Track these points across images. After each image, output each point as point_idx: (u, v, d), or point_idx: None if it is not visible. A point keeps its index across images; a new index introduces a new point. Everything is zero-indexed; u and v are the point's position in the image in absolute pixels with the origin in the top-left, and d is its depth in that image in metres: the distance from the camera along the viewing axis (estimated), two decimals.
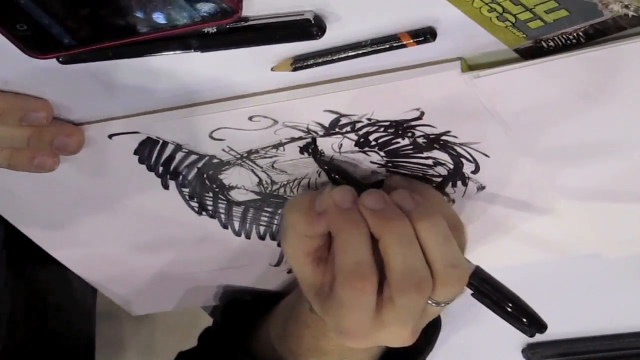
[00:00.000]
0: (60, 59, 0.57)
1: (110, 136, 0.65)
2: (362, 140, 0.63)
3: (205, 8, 0.52)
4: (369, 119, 0.61)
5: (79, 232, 0.75)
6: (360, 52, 0.55)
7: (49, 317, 0.87)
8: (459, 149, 0.63)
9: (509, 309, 0.63)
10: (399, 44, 0.54)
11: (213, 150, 0.65)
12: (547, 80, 0.55)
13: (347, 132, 0.62)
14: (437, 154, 0.64)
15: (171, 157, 0.67)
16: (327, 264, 0.63)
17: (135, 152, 0.66)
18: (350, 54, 0.56)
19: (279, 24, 0.54)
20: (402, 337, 0.63)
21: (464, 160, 0.64)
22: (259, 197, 0.70)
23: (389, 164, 0.65)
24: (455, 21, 0.53)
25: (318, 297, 0.63)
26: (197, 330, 0.81)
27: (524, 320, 0.63)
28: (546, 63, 0.54)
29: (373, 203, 0.61)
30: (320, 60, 0.56)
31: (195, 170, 0.68)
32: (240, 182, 0.69)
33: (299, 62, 0.56)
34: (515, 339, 0.82)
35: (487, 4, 0.51)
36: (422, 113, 0.60)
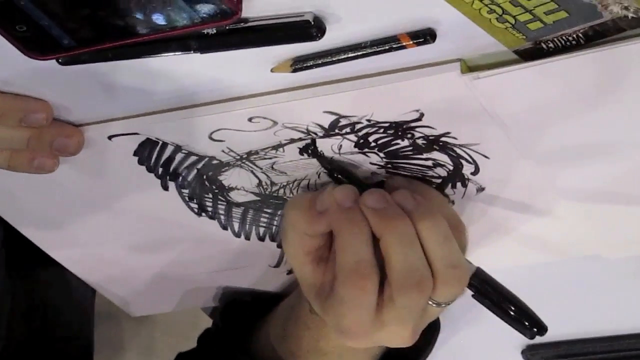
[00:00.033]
0: (60, 60, 0.57)
1: (110, 137, 0.65)
2: (361, 141, 0.63)
3: (205, 9, 0.52)
4: (368, 120, 0.61)
5: (78, 233, 0.75)
6: (360, 53, 0.55)
7: (47, 318, 0.87)
8: (458, 150, 0.63)
9: (509, 311, 0.63)
10: (399, 45, 0.54)
11: (213, 151, 0.65)
12: (547, 82, 0.55)
13: (346, 133, 0.62)
14: (437, 155, 0.64)
15: (171, 158, 0.67)
16: (327, 264, 0.63)
17: (135, 153, 0.66)
18: (349, 55, 0.56)
19: (279, 25, 0.54)
20: (402, 337, 0.63)
21: (463, 162, 0.64)
22: (258, 199, 0.70)
23: (389, 165, 0.65)
24: (454, 22, 0.53)
25: (318, 297, 0.63)
26: (196, 331, 0.81)
27: (525, 322, 0.63)
28: (546, 64, 0.54)
29: (374, 202, 0.61)
30: (319, 62, 0.56)
31: (195, 171, 0.68)
32: (240, 183, 0.69)
33: (299, 64, 0.56)
34: (514, 340, 0.82)
35: (486, 5, 0.51)
36: (422, 114, 0.60)
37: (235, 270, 0.78)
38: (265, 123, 0.62)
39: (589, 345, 0.81)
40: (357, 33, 0.55)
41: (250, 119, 0.62)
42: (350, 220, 0.61)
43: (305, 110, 0.61)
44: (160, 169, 0.68)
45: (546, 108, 0.58)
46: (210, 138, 0.64)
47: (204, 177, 0.68)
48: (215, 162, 0.67)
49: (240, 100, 0.61)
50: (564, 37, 0.53)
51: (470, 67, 0.56)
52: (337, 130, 0.62)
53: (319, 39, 0.54)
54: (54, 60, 0.57)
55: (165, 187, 0.70)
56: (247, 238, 0.74)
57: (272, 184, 0.68)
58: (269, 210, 0.71)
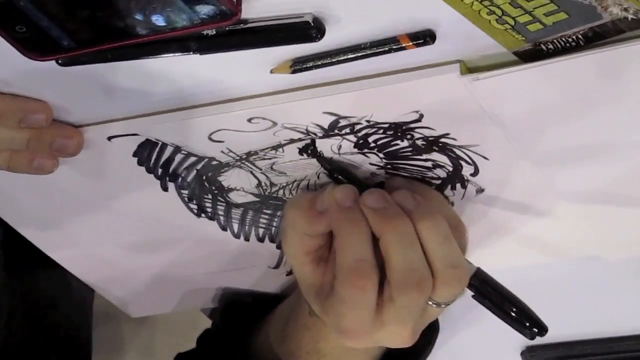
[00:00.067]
0: (60, 61, 0.57)
1: (109, 138, 0.65)
2: (361, 141, 0.63)
3: (204, 10, 0.52)
4: (368, 121, 0.61)
5: (77, 233, 0.75)
6: (360, 54, 0.55)
7: (46, 318, 0.87)
8: (458, 152, 0.63)
9: (509, 311, 0.63)
10: (399, 46, 0.54)
11: (212, 152, 0.65)
12: (547, 83, 0.55)
13: (346, 133, 0.62)
14: (436, 156, 0.64)
15: (170, 159, 0.67)
16: (327, 264, 0.63)
17: (135, 154, 0.66)
18: (349, 56, 0.56)
19: (278, 26, 0.54)
20: (401, 337, 0.63)
21: (463, 163, 0.64)
22: (258, 199, 0.70)
23: (388, 166, 0.65)
24: (454, 24, 0.53)
25: (318, 297, 0.63)
26: (196, 332, 0.81)
27: (525, 322, 0.63)
28: (545, 66, 0.54)
29: (374, 202, 0.61)
30: (319, 63, 0.56)
31: (195, 172, 0.68)
32: (240, 184, 0.69)
33: (298, 65, 0.56)
34: (514, 341, 0.82)
35: (486, 6, 0.51)
36: (422, 115, 0.60)
37: (234, 271, 0.78)
38: (265, 124, 0.62)
39: (589, 347, 0.81)
40: (356, 34, 0.55)
41: (249, 120, 0.62)
42: (350, 219, 0.61)
43: (304, 111, 0.61)
44: (160, 170, 0.68)
45: (546, 109, 0.58)
46: (210, 139, 0.64)
47: (204, 177, 0.68)
48: (214, 162, 0.67)
49: (239, 101, 0.61)
50: (563, 39, 0.53)
51: (469, 69, 0.56)
52: (336, 131, 0.62)
53: (319, 40, 0.54)
54: (53, 61, 0.57)
55: (165, 188, 0.70)
56: (247, 239, 0.74)
57: (272, 184, 0.68)
58: (268, 211, 0.71)
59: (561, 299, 0.76)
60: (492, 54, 0.55)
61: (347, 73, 0.58)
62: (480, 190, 0.66)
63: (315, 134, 0.63)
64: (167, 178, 0.69)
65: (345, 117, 0.61)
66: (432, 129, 0.61)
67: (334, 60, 0.56)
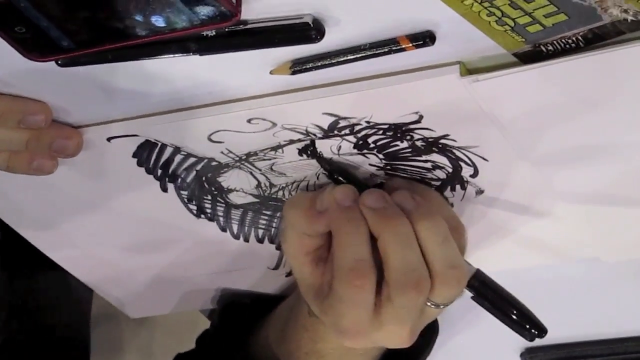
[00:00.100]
0: (59, 62, 0.57)
1: (109, 139, 0.65)
2: (360, 142, 0.63)
3: (204, 11, 0.52)
4: (367, 122, 0.61)
5: (76, 234, 0.75)
6: (359, 55, 0.55)
7: (45, 319, 0.87)
8: (457, 153, 0.63)
9: (509, 313, 0.63)
10: (398, 47, 0.54)
11: (212, 152, 0.65)
12: (546, 85, 0.55)
13: (345, 134, 0.62)
14: (436, 157, 0.64)
15: (170, 160, 0.67)
16: (326, 264, 0.63)
17: (134, 155, 0.66)
18: (349, 57, 0.56)
19: (278, 27, 0.54)
20: (400, 337, 0.63)
21: (462, 164, 0.64)
22: (257, 200, 0.70)
23: (388, 167, 0.65)
24: (454, 25, 0.53)
25: (317, 297, 0.63)
26: (196, 332, 0.81)
27: (525, 324, 0.63)
28: (545, 67, 0.54)
29: (373, 202, 0.61)
30: (319, 64, 0.56)
31: (194, 172, 0.68)
32: (239, 184, 0.69)
33: (298, 66, 0.56)
34: (513, 342, 0.82)
35: (486, 8, 0.51)
36: (421, 116, 0.60)
37: (233, 272, 0.78)
38: (265, 124, 0.62)
39: (588, 348, 0.81)
40: (356, 35, 0.55)
41: (249, 120, 0.62)
42: (349, 219, 0.61)
43: (304, 112, 0.61)
44: (159, 171, 0.68)
45: (545, 111, 0.58)
46: (210, 139, 0.64)
47: (203, 178, 0.68)
48: (214, 163, 0.67)
49: (239, 102, 0.61)
50: (563, 40, 0.53)
51: (469, 70, 0.56)
52: (336, 132, 0.62)
53: (318, 41, 0.54)
54: (53, 62, 0.57)
55: (164, 189, 0.70)
56: (246, 240, 0.74)
57: (271, 185, 0.68)
58: (268, 212, 0.71)
59: (561, 300, 0.76)
60: (492, 55, 0.55)
61: (347, 74, 0.58)
62: (479, 192, 0.66)
63: (314, 135, 0.63)
64: (167, 179, 0.69)
65: (344, 118, 0.61)
66: (432, 130, 0.61)
67: (333, 61, 0.56)
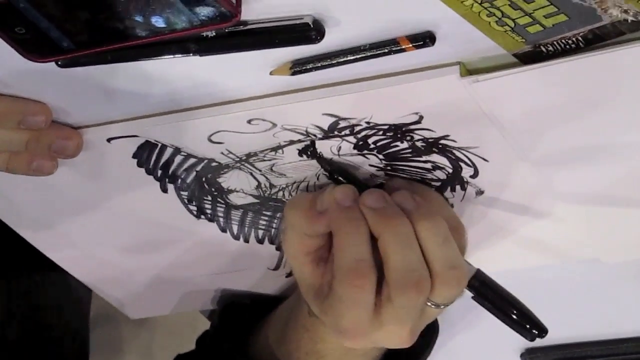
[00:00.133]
0: (59, 63, 0.57)
1: (109, 140, 0.65)
2: (361, 143, 0.63)
3: (204, 12, 0.52)
4: (367, 123, 0.61)
5: (76, 235, 0.75)
6: (359, 56, 0.55)
7: (43, 320, 0.87)
8: (457, 153, 0.63)
9: (509, 313, 0.63)
10: (398, 48, 0.54)
11: (212, 153, 0.65)
12: (546, 85, 0.55)
13: (346, 135, 0.62)
14: (436, 157, 0.64)
15: (170, 161, 0.67)
16: (326, 265, 0.63)
17: (134, 156, 0.66)
18: (349, 58, 0.56)
19: (278, 28, 0.54)
20: (400, 337, 0.63)
21: (462, 165, 0.64)
22: (257, 201, 0.70)
23: (388, 167, 0.65)
24: (454, 26, 0.53)
25: (317, 297, 0.63)
26: (196, 333, 0.81)
27: (525, 324, 0.63)
28: (545, 68, 0.54)
29: (373, 202, 0.61)
30: (319, 65, 0.56)
31: (194, 173, 0.68)
32: (239, 185, 0.69)
33: (298, 67, 0.56)
34: (513, 343, 0.82)
35: (486, 8, 0.51)
36: (421, 117, 0.60)
37: (234, 272, 0.78)
38: (265, 125, 0.62)
39: (588, 349, 0.81)
40: (356, 36, 0.55)
41: (249, 121, 0.62)
42: (349, 219, 0.61)
43: (304, 112, 0.61)
44: (159, 171, 0.68)
45: (545, 111, 0.58)
46: (210, 140, 0.64)
47: (203, 179, 0.68)
48: (214, 164, 0.67)
49: (239, 103, 0.61)
50: (563, 41, 0.53)
51: (469, 70, 0.56)
52: (336, 132, 0.62)
53: (319, 42, 0.54)
54: (53, 63, 0.57)
55: (164, 190, 0.70)
56: (246, 241, 0.74)
57: (271, 186, 0.68)
58: (268, 213, 0.71)
59: (561, 301, 0.76)
60: (492, 56, 0.55)
61: (347, 75, 0.58)
62: (479, 192, 0.66)
63: (315, 136, 0.63)
64: (167, 179, 0.69)
65: (345, 119, 0.61)
66: (432, 131, 0.61)
67: (333, 62, 0.56)
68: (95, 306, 0.94)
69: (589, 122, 0.58)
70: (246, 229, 0.73)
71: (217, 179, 0.68)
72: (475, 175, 0.65)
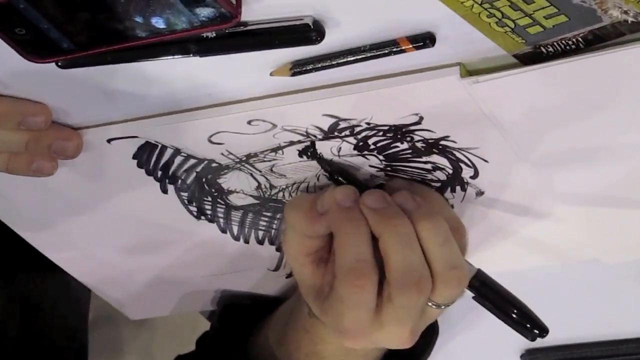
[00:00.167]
0: (59, 63, 0.57)
1: (109, 140, 0.65)
2: (361, 144, 0.63)
3: (204, 13, 0.52)
4: (368, 123, 0.61)
5: (76, 235, 0.75)
6: (360, 57, 0.55)
7: (41, 321, 0.87)
8: (457, 154, 0.63)
9: (510, 313, 0.63)
10: (398, 49, 0.54)
11: (212, 154, 0.65)
12: (546, 86, 0.55)
13: (346, 136, 0.62)
14: (436, 158, 0.64)
15: (170, 161, 0.67)
16: (327, 265, 0.63)
17: (134, 157, 0.66)
18: (349, 59, 0.56)
19: (278, 29, 0.54)
20: (400, 337, 0.63)
21: (462, 165, 0.64)
22: (257, 202, 0.70)
23: (388, 168, 0.65)
24: (454, 26, 0.53)
25: (317, 298, 0.63)
26: (196, 334, 0.81)
27: (526, 324, 0.63)
28: (545, 69, 0.54)
29: (373, 202, 0.61)
30: (319, 66, 0.56)
31: (194, 174, 0.68)
32: (239, 186, 0.69)
33: (298, 67, 0.56)
34: (513, 344, 0.82)
35: (486, 9, 0.51)
36: (421, 118, 0.60)
37: (234, 273, 0.78)
38: (265, 126, 0.62)
39: (588, 350, 0.81)
40: (356, 37, 0.55)
41: (249, 122, 0.62)
42: (350, 219, 0.61)
43: (304, 113, 0.61)
44: (159, 172, 0.68)
45: (545, 112, 0.58)
46: (210, 141, 0.64)
47: (203, 180, 0.68)
48: (214, 165, 0.67)
49: (239, 104, 0.61)
50: (563, 41, 0.53)
51: (469, 71, 0.56)
52: (336, 133, 0.62)
53: (319, 43, 0.54)
54: (53, 64, 0.57)
55: (164, 190, 0.70)
56: (246, 241, 0.74)
57: (271, 186, 0.68)
58: (268, 214, 0.71)
59: (561, 301, 0.76)
60: (492, 57, 0.55)
61: (347, 75, 0.58)
62: (480, 193, 0.66)
63: (315, 136, 0.63)
64: (167, 180, 0.69)
65: (345, 120, 0.61)
66: (432, 132, 0.61)
67: (333, 62, 0.56)
68: (95, 307, 0.94)
69: (589, 123, 0.58)
70: (246, 229, 0.73)
71: (217, 180, 0.68)
72: (475, 176, 0.65)
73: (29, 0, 0.51)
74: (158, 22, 0.53)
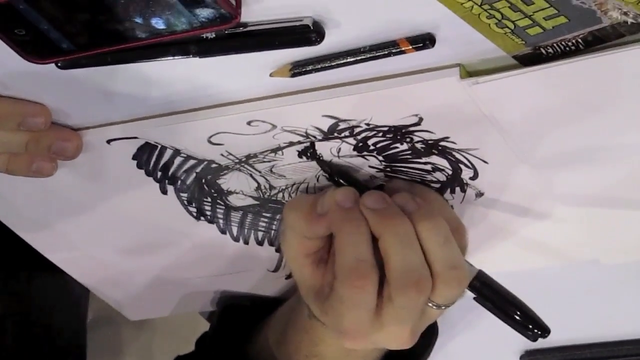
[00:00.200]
0: (59, 64, 0.57)
1: (108, 141, 0.65)
2: (360, 144, 0.63)
3: (204, 14, 0.52)
4: (367, 124, 0.61)
5: (76, 236, 0.75)
6: (359, 58, 0.55)
7: (39, 321, 0.87)
8: (457, 155, 0.63)
9: (512, 313, 0.63)
10: (398, 50, 0.54)
11: (211, 155, 0.65)
12: (546, 87, 0.55)
13: (345, 136, 0.62)
14: (436, 159, 0.64)
15: (169, 162, 0.67)
16: (326, 266, 0.63)
17: (134, 157, 0.66)
18: (349, 60, 0.56)
19: (278, 30, 0.54)
20: (400, 337, 0.63)
21: (462, 166, 0.64)
22: (257, 203, 0.70)
23: (388, 169, 0.65)
24: (454, 27, 0.53)
25: (317, 299, 0.63)
26: (195, 335, 0.81)
27: (527, 324, 0.63)
28: (545, 70, 0.54)
29: (373, 203, 0.61)
30: (319, 66, 0.56)
31: (194, 175, 0.68)
32: (239, 187, 0.69)
33: (298, 68, 0.56)
34: (513, 345, 0.82)
35: (486, 10, 0.51)
36: (421, 119, 0.60)
37: (233, 274, 0.78)
38: (264, 126, 0.62)
39: (588, 351, 0.81)
40: (356, 38, 0.55)
41: (249, 123, 0.62)
42: (350, 220, 0.61)
43: (304, 114, 0.61)
44: (159, 173, 0.68)
45: (545, 113, 0.58)
46: (209, 141, 0.64)
47: (203, 180, 0.68)
48: (214, 165, 0.67)
49: (239, 104, 0.61)
50: (563, 43, 0.53)
51: (469, 72, 0.56)
52: (336, 134, 0.62)
53: (318, 43, 0.54)
54: (53, 64, 0.57)
55: (164, 191, 0.70)
56: (246, 242, 0.74)
57: (271, 187, 0.68)
58: (267, 215, 0.71)
59: (561, 302, 0.76)
60: (492, 58, 0.55)
61: (347, 76, 0.58)
62: (479, 194, 0.66)
63: (314, 137, 0.63)
64: (167, 181, 0.69)
65: (344, 120, 0.61)
66: (432, 133, 0.61)
67: (333, 63, 0.56)
68: (95, 308, 0.94)
69: (589, 124, 0.58)
70: (246, 230, 0.73)
71: (217, 181, 0.68)
72: (475, 177, 0.65)
73: (28, 1, 0.51)
74: (158, 23, 0.53)
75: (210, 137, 0.63)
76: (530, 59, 0.54)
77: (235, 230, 0.73)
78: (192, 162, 0.67)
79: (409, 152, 0.63)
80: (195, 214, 0.72)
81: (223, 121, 0.62)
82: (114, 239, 0.75)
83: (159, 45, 0.55)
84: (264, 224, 0.72)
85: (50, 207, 0.72)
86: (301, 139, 0.63)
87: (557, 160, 0.62)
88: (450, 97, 0.57)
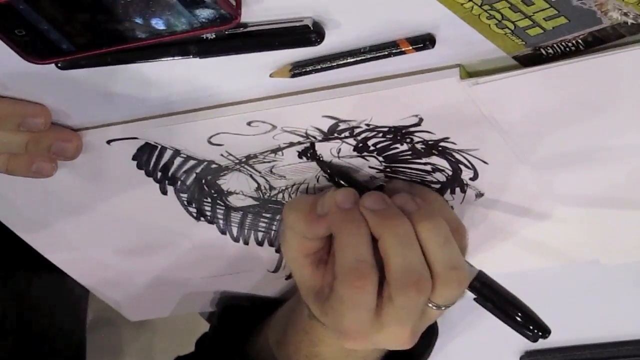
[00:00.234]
0: (59, 65, 0.57)
1: (108, 142, 0.65)
2: (360, 145, 0.63)
3: (204, 14, 0.52)
4: (367, 125, 0.61)
5: (76, 236, 0.75)
6: (359, 58, 0.55)
7: (39, 322, 0.86)
8: (457, 156, 0.63)
9: (512, 314, 0.63)
10: (398, 50, 0.54)
11: (211, 155, 0.65)
12: (546, 88, 0.55)
13: (345, 137, 0.62)
14: (436, 160, 0.64)
15: (169, 163, 0.67)
16: (326, 266, 0.63)
17: (134, 158, 0.66)
18: (349, 60, 0.56)
19: (278, 30, 0.54)
20: (400, 338, 0.63)
21: (462, 167, 0.64)
22: (257, 203, 0.70)
23: (388, 169, 0.65)
24: (454, 28, 0.53)
25: (317, 299, 0.63)
26: (195, 335, 0.81)
27: (528, 325, 0.63)
28: (545, 70, 0.54)
29: (373, 203, 0.61)
30: (319, 67, 0.56)
31: (194, 175, 0.68)
32: (239, 187, 0.69)
33: (298, 69, 0.56)
34: (513, 345, 0.82)
35: (486, 11, 0.51)
36: (421, 119, 0.60)
37: (233, 275, 0.78)
38: (264, 127, 0.62)
39: (588, 352, 0.81)
40: (356, 38, 0.55)
41: (249, 123, 0.62)
42: (349, 220, 0.61)
43: (304, 115, 0.61)
44: (159, 173, 0.68)
45: (545, 114, 0.58)
46: (209, 142, 0.64)
47: (203, 181, 0.68)
48: (214, 166, 0.67)
49: (239, 105, 0.61)
50: (563, 43, 0.53)
51: (469, 73, 0.56)
52: (336, 134, 0.62)
53: (318, 44, 0.54)
54: (52, 65, 0.57)
55: (164, 192, 0.70)
56: (246, 243, 0.74)
57: (271, 188, 0.68)
58: (267, 215, 0.71)
59: (560, 303, 0.76)
60: (492, 59, 0.55)
61: (347, 77, 0.58)
62: (479, 195, 0.66)
63: (314, 138, 0.63)
64: (167, 181, 0.69)
65: (344, 121, 0.61)
66: (432, 133, 0.61)
67: (333, 64, 0.56)
68: (94, 308, 0.94)
69: (589, 125, 0.58)
70: (246, 231, 0.73)
71: (217, 181, 0.68)
72: (475, 177, 0.65)
73: (28, 2, 0.51)
74: (158, 24, 0.53)
75: (210, 137, 0.63)
76: (531, 59, 0.54)
77: (235, 230, 0.73)
78: (192, 162, 0.67)
79: (409, 152, 0.63)
80: (195, 215, 0.72)
81: (223, 122, 0.62)
82: (114, 239, 0.75)
83: (159, 46, 0.55)
84: (264, 225, 0.72)
85: (50, 207, 0.72)
86: (301, 139, 0.63)
87: (557, 160, 0.62)
88: (450, 98, 0.57)
